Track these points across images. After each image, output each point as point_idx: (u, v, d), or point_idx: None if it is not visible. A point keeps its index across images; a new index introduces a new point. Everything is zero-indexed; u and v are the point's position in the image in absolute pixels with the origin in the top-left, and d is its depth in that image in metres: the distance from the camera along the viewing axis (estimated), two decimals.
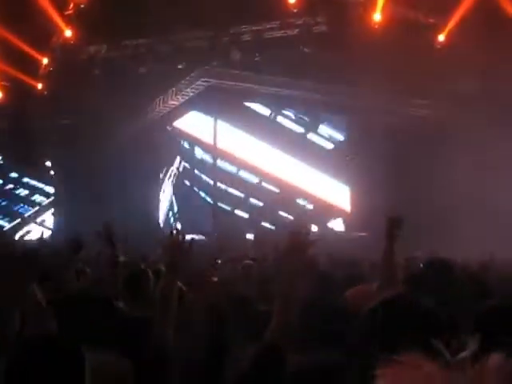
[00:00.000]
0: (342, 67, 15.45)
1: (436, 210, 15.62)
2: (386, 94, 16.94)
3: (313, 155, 20.19)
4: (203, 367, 2.71)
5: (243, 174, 20.68)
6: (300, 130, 20.48)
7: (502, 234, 12.99)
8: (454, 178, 15.40)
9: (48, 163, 19.47)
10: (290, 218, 19.51)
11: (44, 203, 21.43)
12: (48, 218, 20.81)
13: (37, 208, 21.41)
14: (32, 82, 15.60)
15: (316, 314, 2.89)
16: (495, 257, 7.53)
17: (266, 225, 20.29)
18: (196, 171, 20.70)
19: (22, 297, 2.89)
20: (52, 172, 19.57)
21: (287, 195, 20.38)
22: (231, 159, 20.45)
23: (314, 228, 19.75)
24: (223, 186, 20.30)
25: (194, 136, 20.52)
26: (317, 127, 20.45)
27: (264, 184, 20.73)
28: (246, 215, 20.38)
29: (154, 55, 15.92)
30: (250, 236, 18.10)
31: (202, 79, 17.88)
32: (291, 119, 20.50)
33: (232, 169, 20.62)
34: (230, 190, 20.49)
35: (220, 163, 20.31)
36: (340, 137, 20.80)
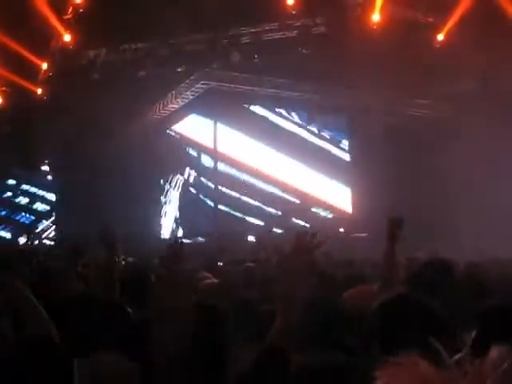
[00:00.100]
0: (342, 68, 15.46)
1: (437, 210, 15.62)
2: (386, 94, 16.95)
3: (313, 156, 20.19)
4: (204, 368, 2.71)
5: (245, 177, 20.64)
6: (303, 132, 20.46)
7: (504, 235, 12.98)
8: (454, 177, 15.40)
9: (46, 168, 19.41)
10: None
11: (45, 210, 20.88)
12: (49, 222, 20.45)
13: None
14: (31, 87, 15.60)
15: (316, 315, 2.88)
16: (492, 256, 7.54)
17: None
18: (203, 179, 20.57)
19: (22, 298, 2.90)
20: (50, 177, 19.53)
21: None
22: (234, 164, 20.42)
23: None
24: (235, 194, 20.26)
25: (199, 143, 20.44)
26: (319, 130, 20.45)
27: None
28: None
29: (153, 59, 15.93)
30: (250, 238, 18.14)
31: (202, 82, 17.91)
32: (293, 121, 20.47)
33: (238, 174, 20.56)
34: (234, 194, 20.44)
35: (228, 169, 20.30)
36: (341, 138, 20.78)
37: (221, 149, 20.18)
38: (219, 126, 20.12)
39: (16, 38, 13.93)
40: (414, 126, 17.14)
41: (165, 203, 20.19)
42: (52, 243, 18.96)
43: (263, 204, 20.35)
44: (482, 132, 15.08)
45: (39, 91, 15.79)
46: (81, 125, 15.72)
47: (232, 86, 17.81)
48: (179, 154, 20.35)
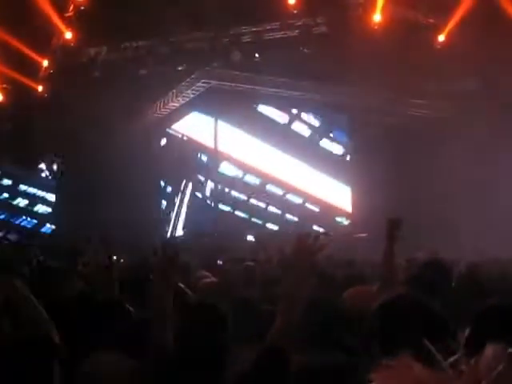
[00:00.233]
0: (342, 68, 15.47)
1: (437, 210, 15.62)
2: (386, 94, 16.95)
3: (316, 157, 20.24)
4: (204, 368, 2.71)
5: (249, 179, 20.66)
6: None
7: (504, 235, 12.99)
8: (454, 177, 15.40)
9: (43, 166, 19.15)
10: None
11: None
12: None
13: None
14: (32, 85, 15.59)
15: (316, 315, 2.89)
16: (492, 256, 7.55)
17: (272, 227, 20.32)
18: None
19: (22, 298, 2.90)
20: (48, 175, 19.21)
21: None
22: (235, 163, 20.45)
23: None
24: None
25: (200, 142, 20.44)
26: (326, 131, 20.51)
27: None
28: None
29: (154, 57, 15.92)
30: (250, 237, 18.14)
31: (203, 80, 17.90)
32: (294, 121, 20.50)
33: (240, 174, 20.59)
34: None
35: (230, 169, 20.34)
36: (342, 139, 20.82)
37: (221, 147, 20.20)
38: (220, 124, 20.13)
39: (17, 35, 13.93)
40: (415, 125, 17.14)
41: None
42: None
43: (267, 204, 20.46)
44: (482, 132, 15.08)
45: (40, 88, 15.78)
46: (81, 122, 15.70)
47: (233, 84, 17.81)
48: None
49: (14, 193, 19.70)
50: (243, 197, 20.58)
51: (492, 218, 14.59)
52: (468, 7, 13.26)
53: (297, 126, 20.61)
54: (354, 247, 13.33)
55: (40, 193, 19.86)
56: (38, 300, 2.98)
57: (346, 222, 20.49)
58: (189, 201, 20.24)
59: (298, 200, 20.74)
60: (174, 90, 18.18)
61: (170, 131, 20.12)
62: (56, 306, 3.04)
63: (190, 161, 20.29)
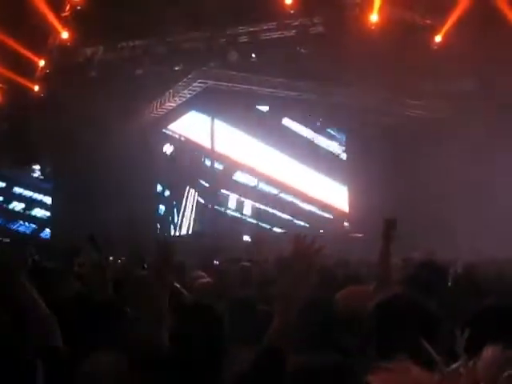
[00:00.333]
0: (339, 68, 15.48)
1: (433, 210, 15.65)
2: (383, 94, 16.97)
3: (310, 154, 20.24)
4: (201, 369, 2.71)
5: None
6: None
7: (500, 235, 13.02)
8: (451, 177, 15.43)
9: (36, 166, 18.86)
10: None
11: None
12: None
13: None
14: (29, 84, 15.57)
15: (314, 315, 2.89)
16: (488, 256, 7.56)
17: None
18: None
19: (30, 299, 2.90)
20: (41, 175, 18.86)
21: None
22: (232, 163, 20.43)
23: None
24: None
25: (197, 142, 20.40)
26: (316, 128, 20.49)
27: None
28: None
29: (150, 57, 15.91)
30: (246, 237, 18.14)
31: (199, 81, 17.89)
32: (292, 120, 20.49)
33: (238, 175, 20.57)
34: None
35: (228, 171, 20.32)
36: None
37: (218, 147, 20.18)
38: (217, 123, 20.11)
39: (13, 35, 13.90)
40: (411, 126, 17.17)
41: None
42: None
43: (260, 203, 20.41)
44: (478, 132, 15.11)
45: (36, 88, 15.76)
46: (78, 122, 15.67)
47: (230, 84, 17.81)
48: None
49: (9, 196, 18.93)
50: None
51: (489, 218, 14.62)
52: (465, 8, 13.28)
53: (291, 125, 20.58)
54: (350, 247, 13.35)
55: (37, 196, 19.16)
56: None
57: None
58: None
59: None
60: (171, 90, 18.17)
61: (168, 132, 20.06)
62: (53, 307, 3.03)
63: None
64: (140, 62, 16.02)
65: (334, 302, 3.27)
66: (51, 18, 14.48)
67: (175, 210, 20.02)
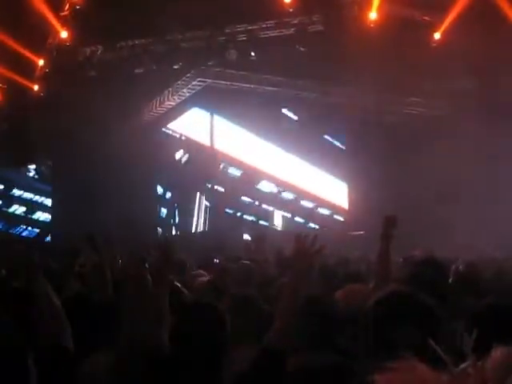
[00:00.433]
0: (338, 66, 15.46)
1: (433, 209, 15.65)
2: (382, 92, 16.96)
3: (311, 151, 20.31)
4: (201, 368, 2.71)
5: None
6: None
7: (500, 234, 13.02)
8: (451, 175, 15.43)
9: (32, 166, 18.57)
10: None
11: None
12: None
13: None
14: (28, 84, 15.56)
15: (313, 315, 2.88)
16: (488, 255, 7.56)
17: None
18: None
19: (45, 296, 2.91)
20: (34, 173, 18.52)
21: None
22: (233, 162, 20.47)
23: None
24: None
25: (196, 140, 20.39)
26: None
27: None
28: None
29: (149, 56, 15.90)
30: (246, 236, 18.14)
31: (199, 79, 17.88)
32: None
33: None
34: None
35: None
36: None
37: (218, 146, 20.20)
38: (217, 121, 20.10)
39: (13, 34, 13.90)
40: (410, 124, 17.16)
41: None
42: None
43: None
44: (478, 130, 15.09)
45: (36, 88, 15.75)
46: (77, 121, 15.66)
47: (229, 83, 17.79)
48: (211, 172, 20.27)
49: (9, 199, 18.19)
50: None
51: (489, 216, 14.61)
52: (464, 5, 13.27)
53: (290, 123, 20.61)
54: (350, 245, 13.34)
55: (37, 198, 18.52)
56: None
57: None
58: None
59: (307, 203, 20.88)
60: (170, 89, 18.16)
61: (168, 131, 20.06)
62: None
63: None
64: (139, 61, 16.01)
65: (333, 301, 3.27)
66: (50, 17, 14.49)
67: (176, 212, 20.04)
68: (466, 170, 15.04)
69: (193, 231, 19.77)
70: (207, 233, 18.82)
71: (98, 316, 3.24)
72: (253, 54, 16.01)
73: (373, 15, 13.97)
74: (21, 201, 18.52)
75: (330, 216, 21.22)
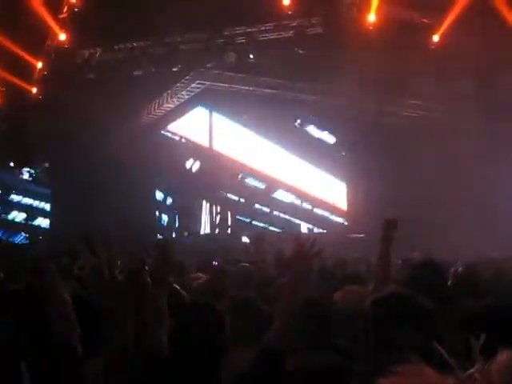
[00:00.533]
0: (337, 68, 15.47)
1: (432, 210, 15.64)
2: (381, 94, 16.98)
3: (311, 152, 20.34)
4: (200, 368, 2.70)
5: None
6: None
7: (499, 234, 13.02)
8: (450, 178, 15.44)
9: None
10: None
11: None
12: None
13: None
14: (26, 86, 15.55)
15: (312, 316, 2.88)
16: (487, 256, 7.56)
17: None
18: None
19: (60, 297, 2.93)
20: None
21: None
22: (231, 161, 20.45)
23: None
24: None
25: (194, 141, 20.37)
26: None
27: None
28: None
29: (148, 58, 15.90)
30: (245, 239, 18.13)
31: (198, 82, 17.88)
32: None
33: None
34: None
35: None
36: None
37: (217, 146, 20.20)
38: (215, 120, 20.11)
39: (11, 37, 13.90)
40: (409, 126, 17.16)
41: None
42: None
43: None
44: (477, 132, 15.11)
45: (34, 90, 15.74)
46: (75, 124, 15.66)
47: (227, 85, 17.79)
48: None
49: (8, 205, 17.54)
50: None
51: (487, 217, 14.62)
52: (463, 7, 13.28)
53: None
54: (349, 247, 13.34)
55: (37, 203, 17.87)
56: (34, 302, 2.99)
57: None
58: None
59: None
60: (169, 91, 18.16)
61: (167, 133, 20.05)
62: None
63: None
64: (138, 63, 16.02)
65: (332, 302, 3.27)
66: (49, 19, 14.48)
67: (177, 218, 20.03)
68: (466, 171, 15.06)
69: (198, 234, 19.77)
70: (213, 236, 18.84)
71: (97, 318, 3.23)
72: (251, 56, 16.02)
73: (371, 17, 13.98)
74: (20, 206, 17.91)
75: (329, 217, 21.21)
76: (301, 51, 15.39)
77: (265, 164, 20.49)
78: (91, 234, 3.91)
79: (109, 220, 14.73)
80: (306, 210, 20.94)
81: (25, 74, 15.33)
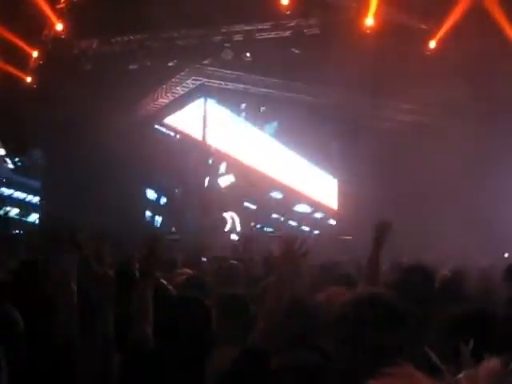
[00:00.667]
0: (333, 70, 15.48)
1: (421, 215, 15.72)
2: (376, 97, 17.02)
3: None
4: (185, 362, 2.70)
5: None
6: None
7: (486, 240, 13.10)
8: (441, 183, 15.51)
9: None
10: None
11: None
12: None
13: None
14: (21, 75, 15.47)
15: (297, 316, 2.89)
16: (474, 262, 7.60)
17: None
18: None
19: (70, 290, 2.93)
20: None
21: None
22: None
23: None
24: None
25: (189, 135, 20.27)
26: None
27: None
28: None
29: (144, 52, 15.86)
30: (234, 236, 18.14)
31: (193, 78, 17.85)
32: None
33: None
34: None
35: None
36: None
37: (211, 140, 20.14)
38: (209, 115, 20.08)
39: (7, 25, 13.82)
40: (403, 130, 17.22)
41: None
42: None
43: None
44: (472, 136, 15.19)
45: (29, 79, 15.66)
46: (70, 115, 15.59)
47: (223, 83, 17.78)
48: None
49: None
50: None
51: (475, 223, 14.69)
52: (460, 14, 13.33)
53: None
54: (339, 248, 13.38)
55: (31, 198, 17.38)
56: (24, 296, 2.99)
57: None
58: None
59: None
60: (164, 86, 18.11)
61: (161, 128, 19.97)
62: (44, 304, 3.05)
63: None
64: (134, 56, 15.97)
65: (318, 303, 3.28)
66: (46, 9, 14.41)
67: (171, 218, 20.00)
68: (457, 176, 15.14)
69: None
70: (196, 231, 18.77)
71: (81, 306, 3.24)
72: (248, 54, 16.01)
73: (369, 21, 14.00)
74: (12, 200, 17.47)
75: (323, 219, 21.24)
76: (296, 51, 15.40)
77: (264, 164, 20.47)
78: (74, 231, 3.87)
79: (104, 214, 14.67)
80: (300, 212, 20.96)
81: (20, 63, 15.25)
